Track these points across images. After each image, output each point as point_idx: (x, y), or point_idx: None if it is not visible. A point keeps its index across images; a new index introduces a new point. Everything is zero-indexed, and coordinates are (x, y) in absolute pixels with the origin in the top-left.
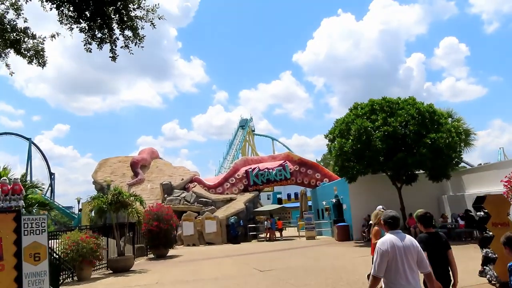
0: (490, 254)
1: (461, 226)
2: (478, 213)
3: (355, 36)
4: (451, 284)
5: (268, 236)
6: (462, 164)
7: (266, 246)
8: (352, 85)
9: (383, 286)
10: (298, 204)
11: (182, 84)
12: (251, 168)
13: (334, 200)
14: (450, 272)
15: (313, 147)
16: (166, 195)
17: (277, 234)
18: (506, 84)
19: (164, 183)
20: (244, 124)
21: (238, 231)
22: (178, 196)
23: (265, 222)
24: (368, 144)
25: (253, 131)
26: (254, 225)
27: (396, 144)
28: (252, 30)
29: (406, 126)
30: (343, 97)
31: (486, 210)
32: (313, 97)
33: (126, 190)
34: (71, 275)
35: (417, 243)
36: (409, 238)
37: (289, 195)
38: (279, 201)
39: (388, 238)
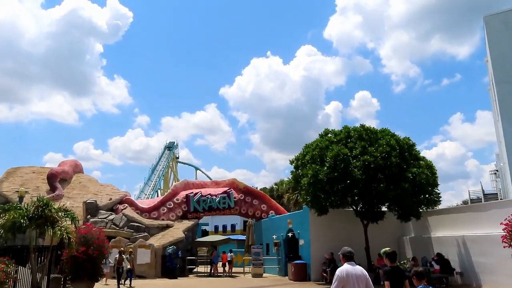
0: None
1: (436, 270)
2: None
3: (281, 78)
4: None
5: (213, 271)
6: None
7: (211, 284)
8: (274, 124)
9: None
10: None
11: (102, 102)
12: (192, 192)
13: (290, 235)
14: None
15: None
16: (89, 216)
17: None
18: None
19: (88, 201)
20: (171, 146)
21: (176, 263)
22: (105, 218)
23: (230, 254)
24: (345, 173)
25: (177, 158)
26: (193, 258)
27: (375, 175)
28: (181, 58)
29: (387, 157)
30: (264, 135)
31: None
32: (236, 132)
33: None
34: None
35: (366, 272)
36: (360, 268)
37: (216, 227)
38: (205, 233)
39: (345, 267)
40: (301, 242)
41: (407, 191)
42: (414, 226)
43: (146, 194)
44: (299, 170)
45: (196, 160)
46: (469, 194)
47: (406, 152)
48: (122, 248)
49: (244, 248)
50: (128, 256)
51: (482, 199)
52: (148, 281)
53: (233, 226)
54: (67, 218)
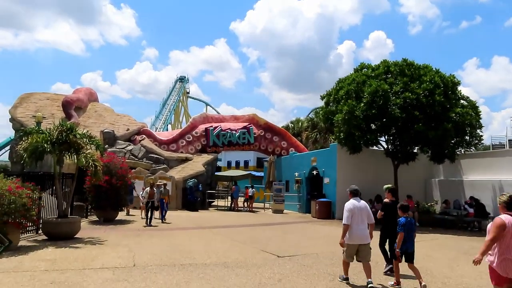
0: None
1: (470, 214)
2: None
3: (294, 14)
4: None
5: (233, 205)
6: None
7: (235, 218)
8: (285, 62)
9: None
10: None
11: (109, 33)
12: (212, 126)
13: (314, 172)
14: None
15: None
16: (106, 146)
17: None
18: None
19: (105, 131)
20: (183, 79)
21: (196, 196)
22: (123, 148)
23: (251, 189)
24: (383, 110)
25: (188, 93)
26: (212, 191)
27: (414, 114)
28: None
29: (430, 95)
30: (274, 74)
31: None
32: (245, 69)
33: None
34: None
35: (367, 206)
36: (363, 203)
37: (229, 163)
38: (217, 168)
39: (352, 202)
40: (326, 180)
41: (449, 132)
42: (444, 168)
43: (157, 128)
44: (330, 106)
45: (205, 96)
46: (491, 139)
47: (450, 90)
48: (159, 182)
49: (265, 184)
50: (163, 189)
51: (507, 145)
52: (171, 212)
53: (246, 162)
54: (92, 145)
